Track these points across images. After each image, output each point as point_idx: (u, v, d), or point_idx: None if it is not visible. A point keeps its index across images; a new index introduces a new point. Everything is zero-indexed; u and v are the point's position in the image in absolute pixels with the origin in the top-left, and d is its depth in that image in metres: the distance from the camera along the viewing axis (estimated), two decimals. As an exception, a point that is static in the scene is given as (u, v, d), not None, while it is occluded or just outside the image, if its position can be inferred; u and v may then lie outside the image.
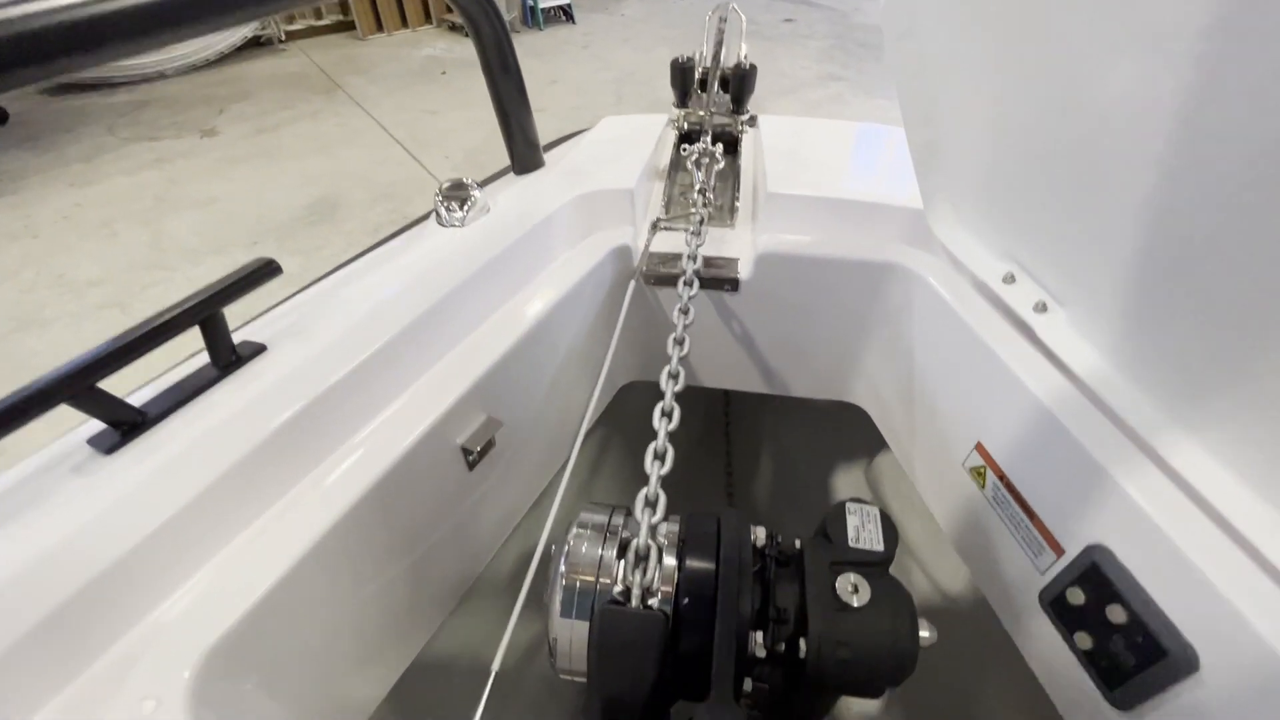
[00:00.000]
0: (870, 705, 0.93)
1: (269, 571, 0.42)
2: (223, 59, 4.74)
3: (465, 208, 0.78)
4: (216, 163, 3.48)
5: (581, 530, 0.47)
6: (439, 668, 0.66)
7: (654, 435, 0.50)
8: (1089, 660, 0.50)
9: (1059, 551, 0.53)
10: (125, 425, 0.50)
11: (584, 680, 0.44)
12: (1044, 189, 0.55)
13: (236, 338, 0.53)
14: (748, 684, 0.46)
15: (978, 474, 0.62)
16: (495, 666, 0.48)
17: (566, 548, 0.46)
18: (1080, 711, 0.53)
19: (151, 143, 3.75)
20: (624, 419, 0.93)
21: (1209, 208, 0.40)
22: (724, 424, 1.21)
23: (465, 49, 4.94)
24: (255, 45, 4.94)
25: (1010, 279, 0.62)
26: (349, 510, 0.46)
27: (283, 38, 4.93)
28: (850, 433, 1.04)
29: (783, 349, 0.80)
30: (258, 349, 0.58)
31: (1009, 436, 0.58)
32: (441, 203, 0.78)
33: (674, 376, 0.58)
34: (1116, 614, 0.47)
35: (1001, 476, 0.59)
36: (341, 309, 0.55)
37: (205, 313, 0.53)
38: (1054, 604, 0.53)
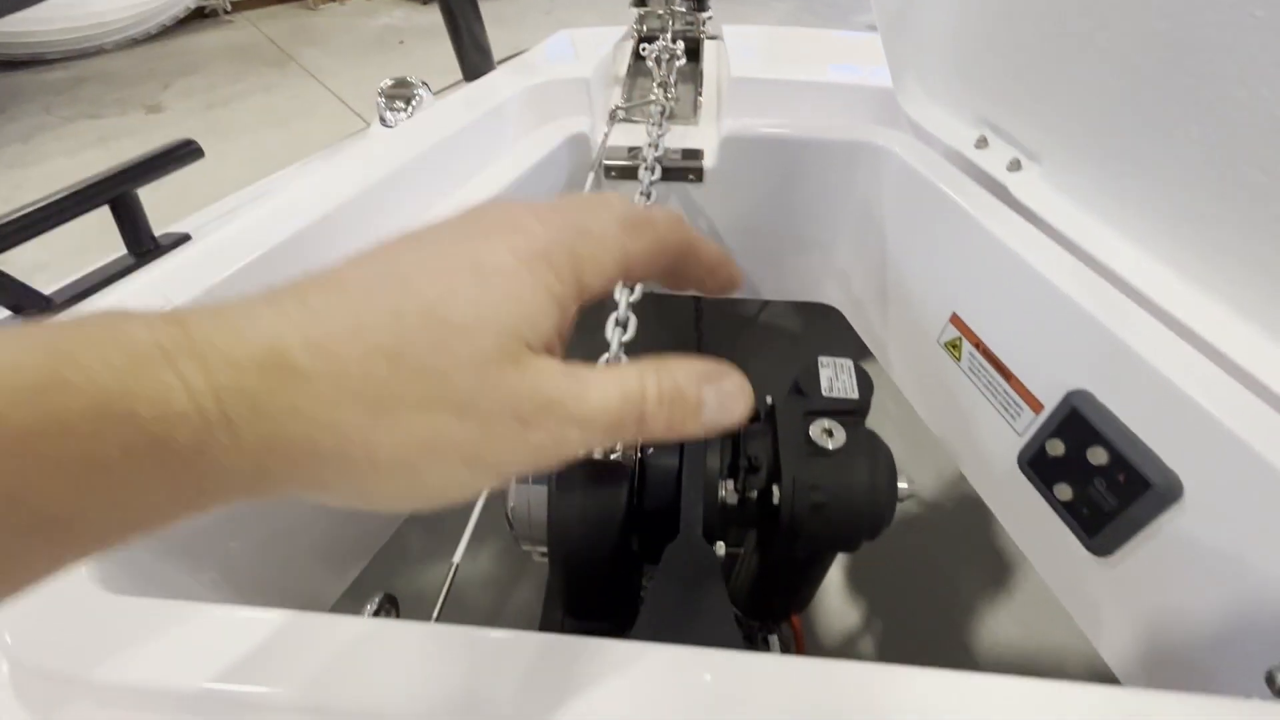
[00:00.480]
0: (847, 591, 0.93)
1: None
2: (165, 31, 4.51)
3: (411, 107, 0.74)
4: (165, 140, 3.34)
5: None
6: (402, 560, 0.63)
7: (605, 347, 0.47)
8: (1068, 511, 0.49)
9: (1038, 408, 0.51)
10: (30, 311, 0.45)
11: (545, 556, 0.41)
12: (1012, 44, 0.53)
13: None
14: (720, 549, 0.44)
15: (953, 348, 0.60)
16: (456, 559, 0.45)
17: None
18: (1059, 566, 0.51)
19: (93, 120, 3.56)
20: (587, 336, 0.90)
21: (1184, 38, 0.38)
22: (696, 337, 1.19)
23: (423, 17, 4.77)
24: (199, 17, 4.71)
25: (983, 143, 0.60)
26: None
27: (228, 8, 4.70)
28: (825, 337, 1.02)
29: (752, 247, 0.77)
30: (181, 238, 0.53)
31: (985, 301, 0.56)
32: (384, 104, 0.74)
33: (636, 253, 0.55)
34: (1098, 456, 0.46)
35: (978, 344, 0.57)
36: (274, 199, 0.51)
37: (115, 190, 0.49)
38: (1033, 462, 0.52)
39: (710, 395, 0.21)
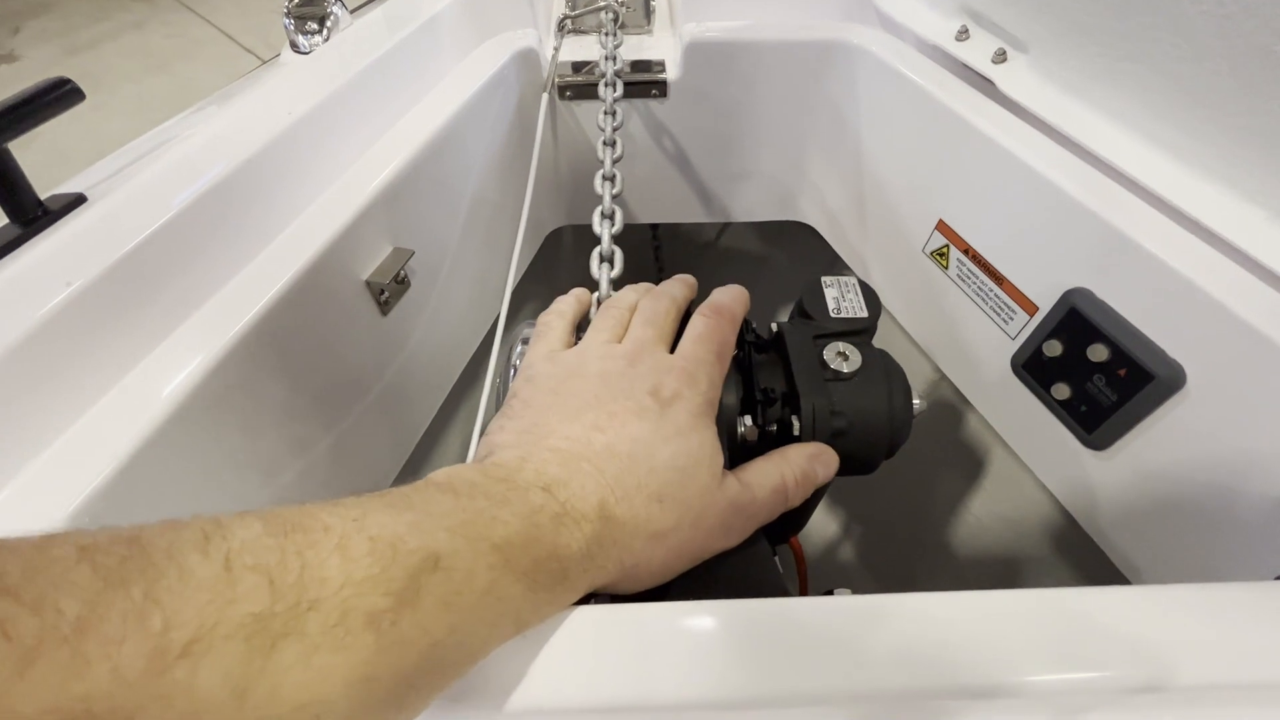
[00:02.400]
0: (842, 510, 0.96)
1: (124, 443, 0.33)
2: (1, -37, 3.88)
3: (325, 28, 0.64)
4: (25, 93, 2.91)
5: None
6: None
7: (593, 285, 0.43)
8: (1065, 409, 0.49)
9: (1032, 310, 0.51)
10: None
11: None
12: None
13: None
14: None
15: (939, 256, 0.59)
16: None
17: (514, 372, 0.39)
18: (1054, 463, 0.53)
19: (-69, 75, 3.08)
20: (556, 271, 0.85)
21: None
22: (655, 267, 1.15)
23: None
24: (41, -57, 4.05)
25: (964, 34, 0.56)
26: (217, 367, 0.37)
27: (75, -69, 4.05)
28: (792, 256, 1.00)
29: (722, 166, 0.73)
30: (74, 200, 0.45)
31: (974, 204, 0.55)
32: (293, 26, 0.64)
33: (609, 179, 0.51)
34: (1098, 353, 0.46)
35: (966, 249, 0.56)
36: (181, 147, 0.43)
37: (-19, 145, 0.40)
38: (1028, 364, 0.52)
39: (818, 468, 0.34)
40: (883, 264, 0.68)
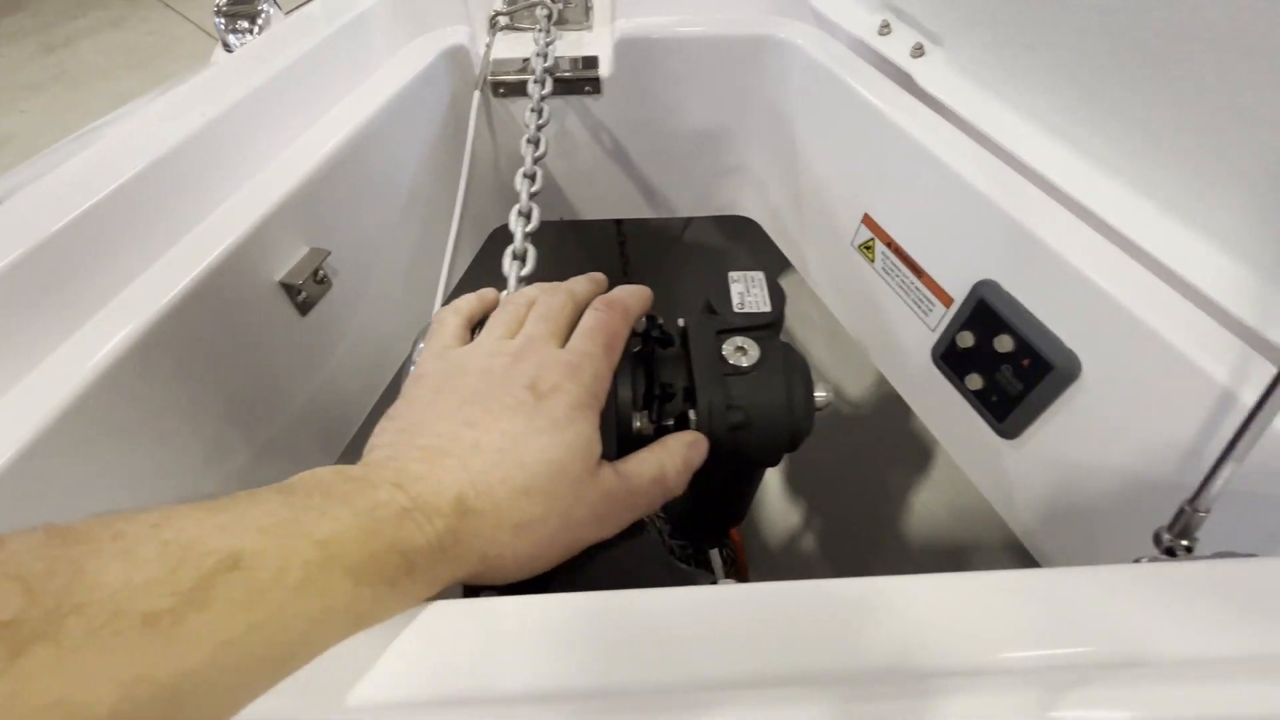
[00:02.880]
0: (784, 497, 0.97)
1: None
2: (-25, -40, 3.83)
3: (257, 26, 0.64)
4: (2, 91, 2.88)
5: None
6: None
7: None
8: (979, 399, 0.50)
9: (948, 302, 0.52)
10: None
11: None
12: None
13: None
14: None
15: (866, 249, 0.59)
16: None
17: (412, 366, 0.39)
18: (972, 451, 0.53)
19: (-94, 75, 3.05)
20: (500, 270, 0.85)
21: None
22: (621, 261, 1.16)
23: (289, -72, 4.21)
24: (16, -61, 4.00)
25: (886, 28, 0.57)
26: (114, 370, 0.37)
27: (50, -74, 4.00)
28: (749, 250, 1.01)
29: (662, 162, 0.73)
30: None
31: (895, 199, 0.55)
32: (224, 25, 0.64)
33: (529, 177, 0.51)
34: (1004, 343, 0.46)
35: (890, 243, 0.56)
36: (90, 150, 0.43)
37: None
38: (945, 355, 0.52)
39: (695, 454, 0.36)
40: (818, 258, 0.68)
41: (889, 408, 0.89)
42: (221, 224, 0.43)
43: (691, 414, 0.39)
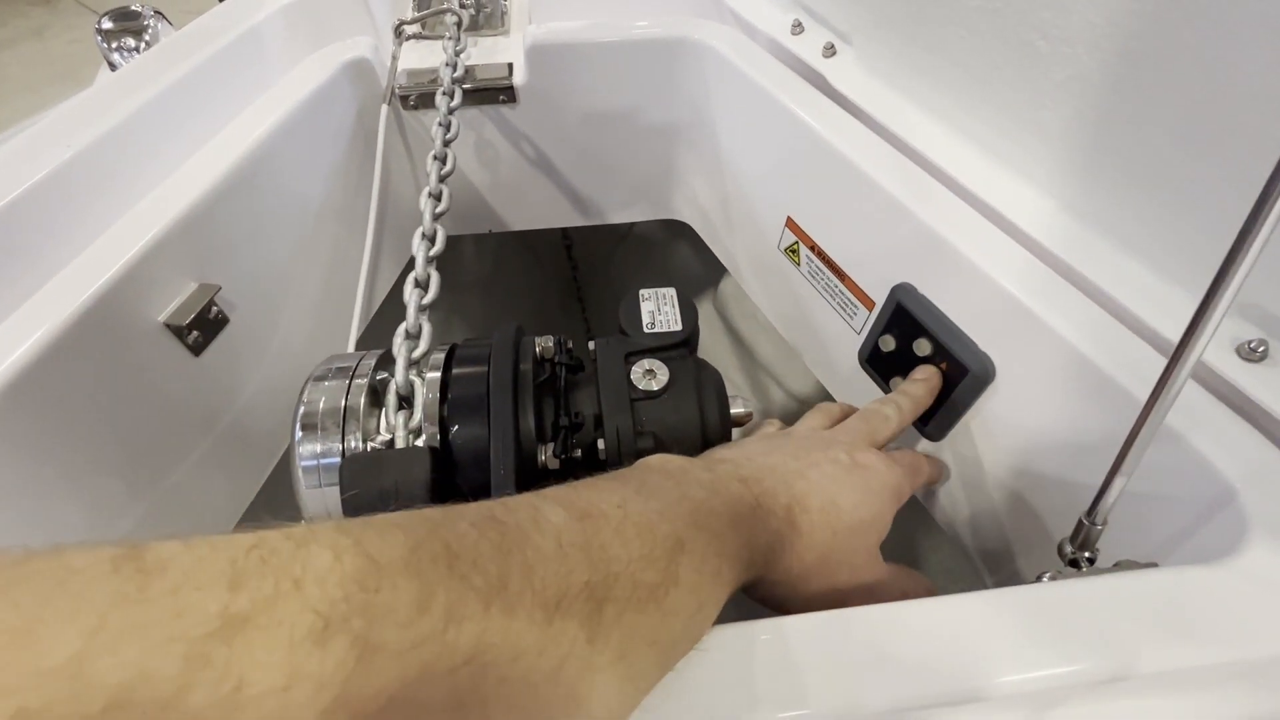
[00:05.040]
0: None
1: None
2: (-124, -31, 3.58)
3: (144, 42, 0.60)
4: (-86, 111, 2.71)
5: (320, 382, 0.38)
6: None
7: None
8: (906, 403, 0.50)
9: (870, 304, 0.51)
10: None
11: None
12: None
13: None
14: None
15: (792, 253, 0.59)
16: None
17: (301, 407, 0.37)
18: (906, 456, 0.53)
19: None
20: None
21: None
22: (570, 267, 1.14)
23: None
24: (-80, -55, 3.76)
25: (798, 27, 0.56)
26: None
27: (-42, -68, 3.77)
28: (689, 254, 1.00)
29: (588, 169, 0.71)
30: None
31: (814, 201, 0.54)
32: (106, 45, 0.60)
33: (435, 196, 0.49)
34: (922, 347, 0.46)
35: (813, 247, 0.56)
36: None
37: None
38: (870, 359, 0.52)
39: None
40: (749, 262, 0.67)
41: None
42: (90, 265, 0.40)
43: (600, 443, 0.38)
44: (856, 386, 0.55)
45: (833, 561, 0.31)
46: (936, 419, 0.47)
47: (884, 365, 0.51)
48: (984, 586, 0.51)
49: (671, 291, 0.43)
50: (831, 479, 0.32)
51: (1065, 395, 0.38)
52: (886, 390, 0.51)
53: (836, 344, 0.57)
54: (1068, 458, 0.39)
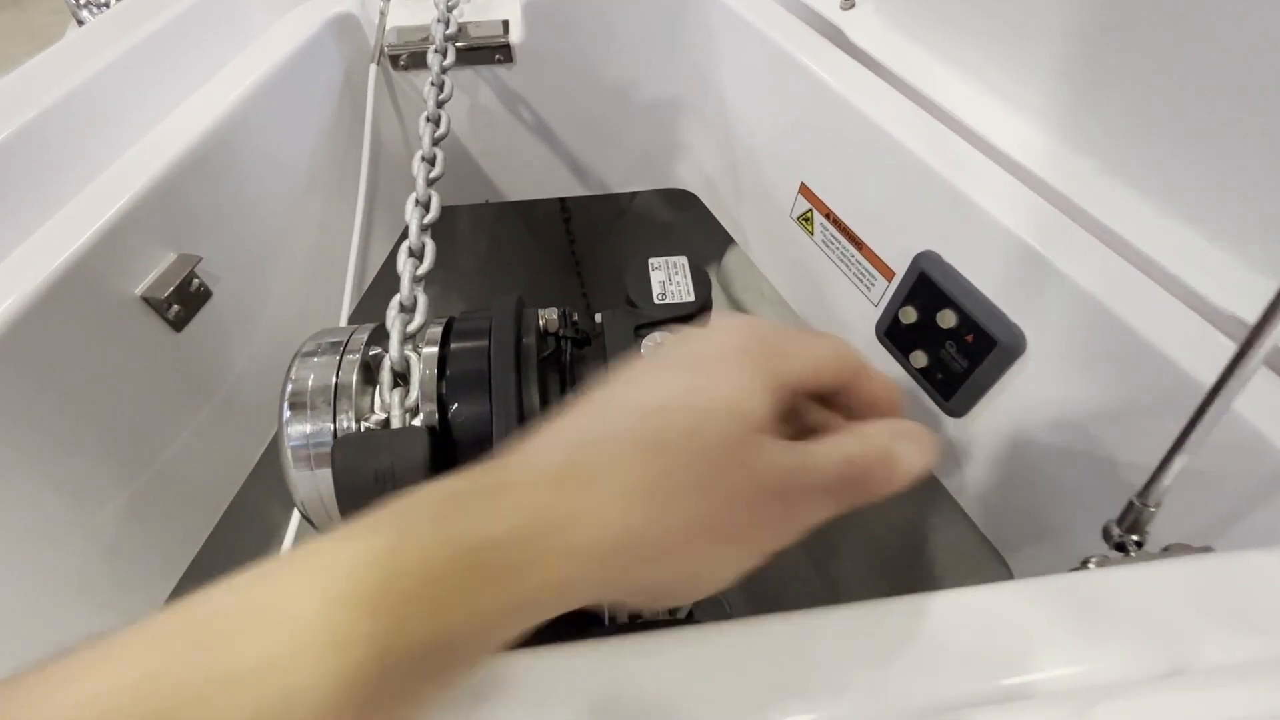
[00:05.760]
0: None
1: None
2: None
3: (113, -2, 0.56)
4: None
5: (309, 358, 0.36)
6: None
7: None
8: (925, 377, 0.48)
9: (889, 275, 0.49)
10: None
11: None
12: None
13: None
14: None
15: (805, 221, 0.56)
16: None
17: (289, 385, 0.35)
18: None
19: None
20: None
21: None
22: (567, 239, 1.11)
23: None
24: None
25: (812, -22, 0.52)
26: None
27: (-73, -105, 3.62)
28: (695, 225, 0.96)
29: (588, 134, 0.68)
30: None
31: (830, 166, 0.52)
32: (76, 1, 0.56)
33: (428, 161, 0.46)
34: (947, 319, 0.43)
35: (828, 214, 0.53)
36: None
37: None
38: (889, 331, 0.50)
39: (904, 450, 0.21)
40: (758, 231, 0.64)
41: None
42: (57, 234, 0.37)
43: (610, 422, 0.36)
44: (872, 360, 0.53)
45: (659, 491, 0.18)
46: (960, 394, 0.45)
47: (904, 339, 0.48)
48: (1000, 567, 0.50)
49: (683, 260, 0.41)
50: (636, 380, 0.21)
51: (1104, 368, 0.35)
52: (906, 365, 0.49)
53: (852, 317, 0.54)
54: (1103, 435, 0.36)
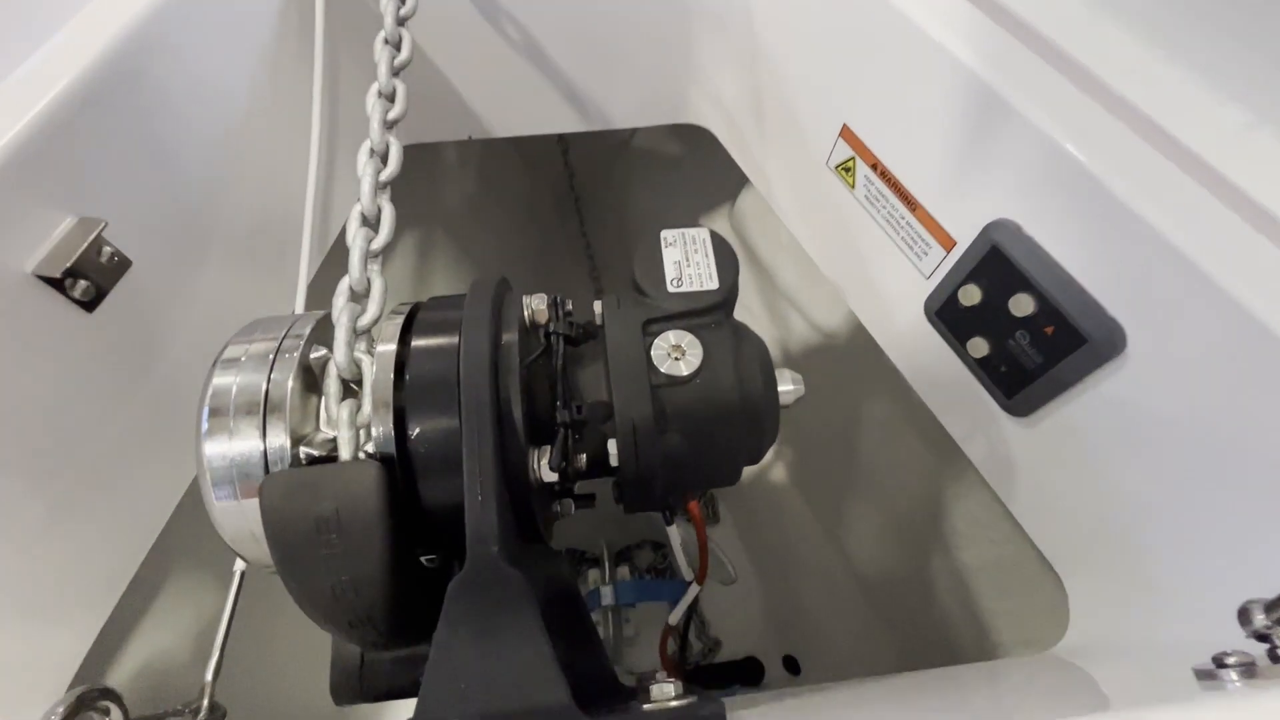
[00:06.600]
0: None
1: None
2: None
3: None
4: None
5: (233, 363, 0.29)
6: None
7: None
8: (983, 368, 0.40)
9: (949, 244, 0.40)
10: None
11: None
12: None
13: None
14: (568, 506, 0.33)
15: (845, 171, 0.47)
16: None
17: (208, 391, 0.28)
18: (972, 427, 0.44)
19: None
20: (407, 201, 0.70)
21: None
22: (566, 175, 1.01)
23: None
24: None
25: None
26: None
27: None
28: (706, 162, 0.86)
29: (590, 62, 0.57)
30: None
31: (884, 104, 0.42)
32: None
33: (386, 96, 0.37)
34: (1022, 305, 0.36)
35: (875, 165, 0.44)
36: None
37: None
38: (942, 311, 0.42)
39: None
40: (785, 178, 0.55)
41: (869, 354, 0.79)
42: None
43: (611, 445, 0.29)
44: (917, 341, 0.46)
45: None
46: (1027, 392, 0.38)
47: (962, 322, 0.41)
48: (1024, 543, 0.43)
49: (704, 234, 0.33)
50: None
51: (1240, 389, 0.28)
52: (961, 351, 0.41)
53: (895, 288, 0.46)
54: (1227, 469, 0.30)
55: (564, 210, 1.13)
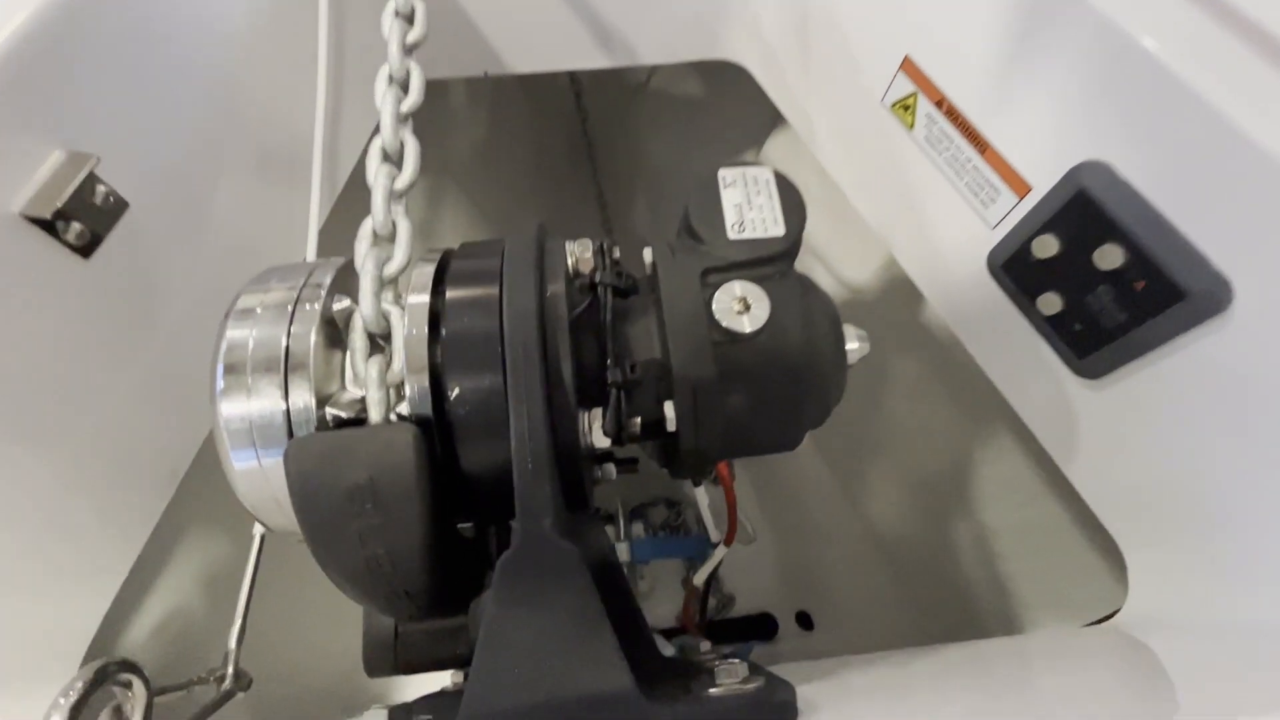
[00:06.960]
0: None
1: None
2: None
3: None
4: None
5: (248, 314, 0.26)
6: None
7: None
8: (1054, 326, 0.37)
9: (1022, 189, 0.37)
10: None
11: None
12: None
13: None
14: (609, 470, 0.31)
15: (904, 109, 0.43)
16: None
17: (223, 346, 0.25)
18: (1032, 390, 0.42)
19: None
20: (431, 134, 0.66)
21: None
22: (579, 118, 0.96)
23: None
24: None
25: None
26: None
27: None
28: (734, 102, 0.81)
29: (618, -11, 0.52)
30: None
31: (953, 33, 0.38)
32: None
33: (404, 16, 0.33)
34: (1109, 257, 0.33)
35: (940, 101, 0.40)
36: None
37: None
38: (1009, 265, 0.39)
39: None
40: (830, 119, 0.51)
41: (900, 311, 0.75)
42: None
43: (668, 408, 0.26)
44: (976, 296, 0.42)
45: None
46: (1104, 352, 0.35)
47: (1033, 276, 0.37)
48: (1079, 530, 0.41)
49: (768, 174, 0.29)
50: None
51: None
52: (1029, 308, 0.38)
53: (954, 240, 0.43)
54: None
55: (576, 157, 1.08)
